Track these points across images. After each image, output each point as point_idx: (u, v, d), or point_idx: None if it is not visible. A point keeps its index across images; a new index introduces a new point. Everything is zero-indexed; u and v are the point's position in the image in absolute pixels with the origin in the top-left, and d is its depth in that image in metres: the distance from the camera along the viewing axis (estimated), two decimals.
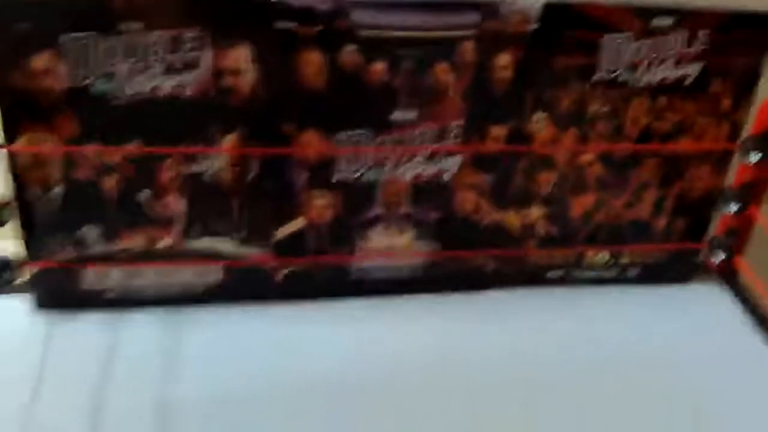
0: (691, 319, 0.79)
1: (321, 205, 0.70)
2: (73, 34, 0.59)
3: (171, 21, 0.60)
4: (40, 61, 0.59)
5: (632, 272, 0.81)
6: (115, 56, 0.60)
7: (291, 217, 0.70)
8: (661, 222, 0.78)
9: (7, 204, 0.65)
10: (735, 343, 0.76)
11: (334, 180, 0.69)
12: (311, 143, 0.67)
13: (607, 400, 0.68)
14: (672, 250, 0.80)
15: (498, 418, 0.66)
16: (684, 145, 0.73)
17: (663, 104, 0.71)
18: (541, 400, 0.67)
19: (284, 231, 0.71)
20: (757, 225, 0.79)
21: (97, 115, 0.62)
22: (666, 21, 0.67)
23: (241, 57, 0.62)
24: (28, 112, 0.61)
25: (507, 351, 0.72)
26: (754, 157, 0.74)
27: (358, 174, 0.69)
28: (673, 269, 0.81)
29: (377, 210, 0.71)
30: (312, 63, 0.63)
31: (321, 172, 0.68)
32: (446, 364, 0.70)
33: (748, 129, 0.74)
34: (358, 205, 0.71)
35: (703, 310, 0.81)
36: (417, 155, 0.69)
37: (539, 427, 0.65)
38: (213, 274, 0.72)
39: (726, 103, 0.72)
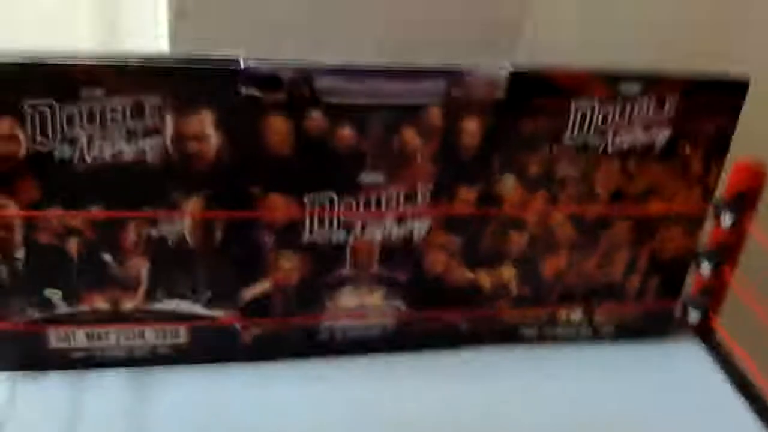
0: (668, 376, 0.78)
1: (288, 267, 0.69)
2: (34, 101, 0.59)
3: (132, 88, 0.59)
4: (0, 127, 0.59)
5: (607, 330, 0.80)
6: (77, 122, 0.60)
7: (258, 278, 0.70)
8: (635, 281, 0.77)
9: None
10: (712, 401, 0.76)
11: (302, 242, 0.68)
12: (278, 206, 0.66)
13: None
14: (647, 308, 0.79)
15: None
16: (655, 207, 0.73)
17: (633, 168, 0.71)
18: None
19: (251, 293, 0.70)
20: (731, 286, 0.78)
21: (58, 180, 0.62)
22: (633, 87, 0.66)
23: (204, 123, 0.62)
24: None
25: (481, 411, 0.71)
26: (728, 220, 0.73)
27: (327, 236, 0.68)
28: (648, 326, 0.81)
29: (346, 270, 0.71)
30: (277, 128, 0.63)
31: (288, 235, 0.68)
32: (419, 424, 0.70)
33: (721, 191, 0.74)
34: (326, 266, 0.70)
35: (680, 366, 0.80)
36: (386, 217, 0.69)
37: None
38: (179, 335, 0.71)
39: (697, 166, 0.71)
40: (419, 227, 0.70)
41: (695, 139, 0.70)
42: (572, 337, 0.80)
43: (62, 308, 0.67)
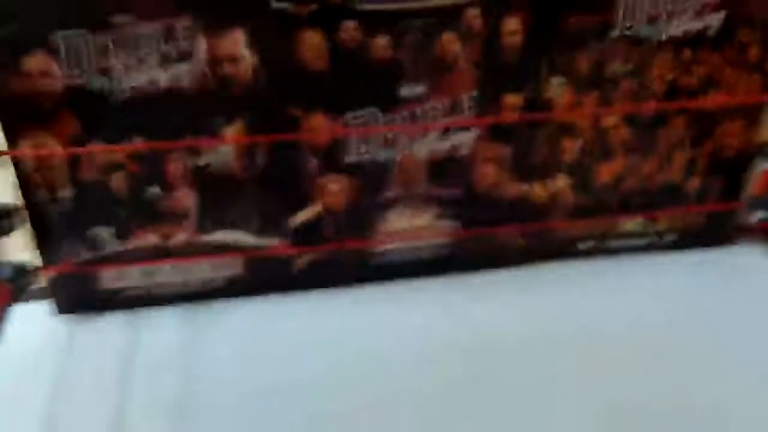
0: (734, 284, 0.75)
1: (335, 189, 0.68)
2: (64, 32, 0.58)
3: (162, 10, 0.58)
4: (32, 62, 0.58)
5: (669, 238, 0.77)
6: (109, 51, 0.59)
7: (305, 204, 0.68)
8: (695, 183, 0.74)
9: (15, 210, 0.64)
10: None
11: (346, 163, 0.67)
12: (319, 126, 0.65)
13: (651, 370, 0.65)
14: (709, 212, 0.76)
15: (532, 398, 0.63)
16: (713, 100, 0.69)
17: (688, 58, 0.67)
18: (578, 376, 0.65)
19: (300, 219, 0.69)
20: None
21: (97, 114, 0.61)
22: None
23: (237, 42, 0.60)
24: (26, 115, 0.60)
25: (540, 329, 0.70)
26: None
27: (371, 155, 0.67)
28: (711, 232, 0.78)
29: (394, 191, 0.69)
30: (311, 43, 0.61)
31: (332, 156, 0.66)
32: (477, 346, 0.68)
33: None
34: (373, 187, 0.69)
35: (745, 272, 0.77)
36: (430, 131, 0.67)
37: (575, 402, 0.63)
38: (231, 267, 0.70)
39: (754, 52, 0.68)
40: (465, 139, 0.68)
41: (751, 23, 0.66)
42: (633, 247, 0.77)
43: (113, 246, 0.67)
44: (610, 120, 0.69)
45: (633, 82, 0.68)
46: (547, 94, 0.67)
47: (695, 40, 0.66)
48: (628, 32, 0.65)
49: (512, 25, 0.63)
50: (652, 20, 0.65)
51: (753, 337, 0.69)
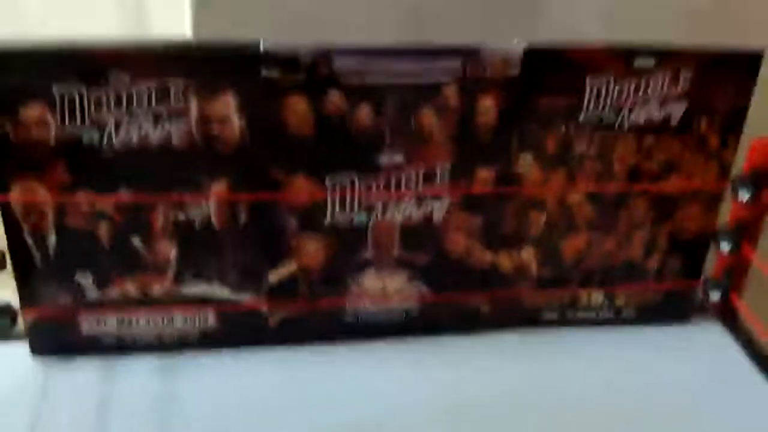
0: (691, 359, 0.78)
1: (312, 249, 0.71)
2: (64, 86, 0.61)
3: (158, 71, 0.61)
4: (30, 111, 0.61)
5: (628, 313, 0.81)
6: (104, 106, 0.62)
7: (282, 261, 0.71)
8: (654, 261, 0.78)
9: (1, 253, 0.66)
10: (736, 383, 0.76)
11: (324, 224, 0.70)
12: (300, 188, 0.68)
13: None
14: (667, 289, 0.79)
15: None
16: (673, 184, 0.73)
17: (650, 144, 0.71)
18: None
19: (276, 275, 0.71)
20: (753, 264, 0.79)
21: (87, 164, 0.64)
22: (648, 61, 0.67)
23: (227, 105, 0.63)
24: (19, 162, 0.63)
25: (505, 393, 0.72)
26: (745, 196, 0.73)
27: (349, 217, 0.70)
28: (669, 309, 0.81)
29: (368, 253, 0.72)
30: (297, 109, 0.64)
31: (311, 217, 0.69)
32: (442, 407, 0.70)
33: (739, 167, 0.74)
34: (349, 248, 0.71)
35: (702, 349, 0.80)
36: (405, 198, 0.70)
37: None
38: (207, 319, 0.73)
39: (713, 141, 0.72)
40: (439, 208, 0.71)
41: (711, 114, 0.71)
42: (593, 320, 0.80)
43: (93, 293, 0.69)
44: (575, 197, 0.73)
45: (597, 163, 0.71)
46: (517, 170, 0.70)
47: (657, 128, 0.71)
48: (593, 117, 0.69)
49: (487, 104, 0.67)
50: (616, 108, 0.69)
51: (708, 408, 0.71)
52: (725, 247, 0.77)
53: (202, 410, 0.68)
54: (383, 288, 0.74)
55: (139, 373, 0.71)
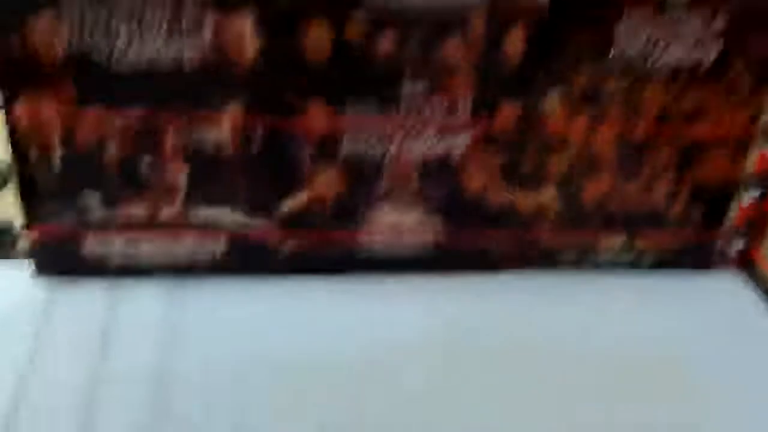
0: (710, 308, 0.76)
1: (326, 180, 0.69)
2: None
3: None
4: (38, 22, 0.59)
5: (648, 259, 0.79)
6: (116, 19, 0.59)
7: (295, 191, 0.69)
8: (677, 209, 0.75)
9: (5, 168, 0.64)
10: (755, 333, 0.74)
11: (340, 154, 0.67)
12: (316, 116, 0.65)
13: (617, 390, 0.66)
14: (688, 238, 0.77)
15: (500, 403, 0.64)
16: (701, 129, 0.71)
17: (680, 86, 0.68)
18: (546, 387, 0.66)
19: (289, 205, 0.70)
20: None
21: (97, 80, 0.61)
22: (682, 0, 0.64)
23: (244, 24, 0.61)
24: (26, 74, 0.60)
25: (514, 335, 0.71)
26: None
27: (365, 148, 0.67)
28: (689, 257, 0.79)
29: (385, 186, 0.70)
30: (317, 32, 0.62)
31: (327, 146, 0.67)
32: (450, 346, 0.69)
33: None
34: (364, 180, 0.69)
35: (721, 298, 0.78)
36: (425, 131, 0.67)
37: (541, 413, 0.64)
38: (217, 245, 0.71)
39: (745, 87, 0.69)
40: (459, 143, 0.69)
41: (745, 58, 0.68)
42: (611, 264, 0.78)
43: (99, 212, 0.67)
44: (599, 138, 0.71)
45: (624, 104, 0.69)
46: (542, 107, 0.68)
47: (688, 70, 0.68)
48: (624, 55, 0.66)
49: (515, 35, 0.64)
50: (648, 46, 0.66)
51: (724, 359, 0.70)
52: (750, 195, 0.74)
53: (207, 336, 0.67)
54: (398, 223, 0.72)
55: (144, 297, 0.70)
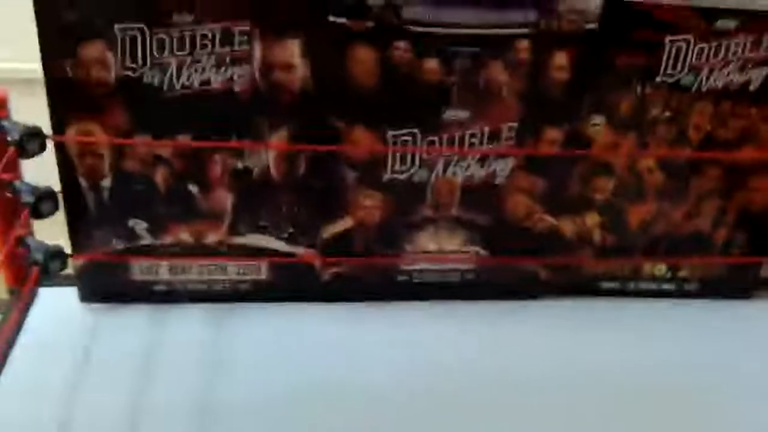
0: (753, 336, 0.75)
1: (369, 205, 0.69)
2: (124, 25, 0.59)
3: (222, 13, 0.60)
4: (90, 50, 0.60)
5: (691, 286, 0.78)
6: (166, 48, 0.60)
7: (339, 216, 0.69)
8: (722, 234, 0.75)
9: (54, 195, 0.65)
10: None
11: (383, 179, 0.68)
12: (361, 141, 0.66)
13: (664, 419, 0.65)
14: (733, 263, 0.77)
15: (542, 428, 0.63)
16: (747, 153, 0.70)
17: (726, 110, 0.68)
18: (588, 415, 0.65)
19: (332, 230, 0.70)
20: None
21: (147, 108, 0.62)
22: (730, 23, 0.64)
23: (291, 52, 0.61)
24: (77, 102, 0.62)
25: (556, 363, 0.70)
26: None
27: (408, 174, 0.68)
28: (733, 284, 0.78)
29: (427, 211, 0.70)
30: (363, 59, 0.62)
31: (370, 171, 0.67)
32: (492, 373, 0.68)
33: None
34: (407, 205, 0.70)
35: (763, 325, 0.77)
36: (469, 156, 0.68)
37: None
38: (260, 271, 0.71)
39: None
40: (502, 168, 0.69)
41: None
42: (655, 292, 0.78)
43: (146, 239, 0.68)
44: (645, 163, 0.70)
45: (671, 128, 0.69)
46: (587, 131, 0.68)
47: (735, 93, 0.67)
48: (671, 79, 0.66)
49: (560, 60, 0.64)
50: (695, 70, 0.66)
51: (757, 386, 0.69)
52: None
53: (249, 362, 0.67)
54: (440, 248, 0.72)
55: (188, 323, 0.70)
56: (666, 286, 0.78)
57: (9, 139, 0.63)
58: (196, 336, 0.69)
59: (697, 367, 0.71)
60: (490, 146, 0.67)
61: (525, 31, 0.62)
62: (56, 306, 0.71)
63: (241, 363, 0.67)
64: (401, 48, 0.62)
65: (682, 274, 0.77)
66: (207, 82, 0.62)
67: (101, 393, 0.63)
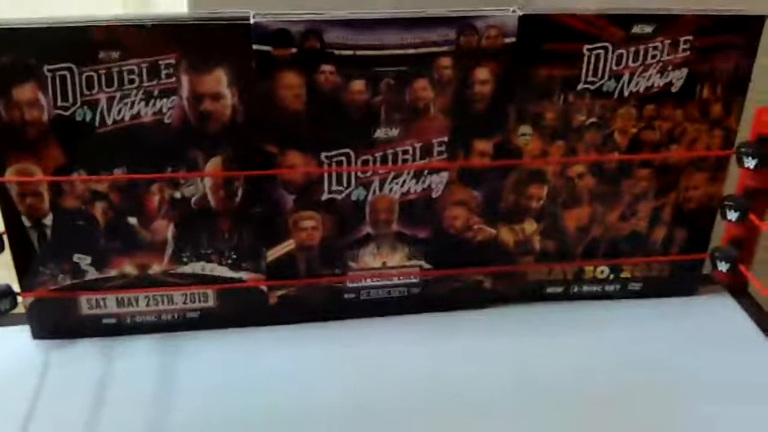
0: (699, 331, 0.77)
1: (309, 226, 0.70)
2: (55, 65, 0.60)
3: (148, 48, 0.61)
4: (22, 92, 0.61)
5: (634, 286, 0.79)
6: (96, 85, 0.61)
7: (280, 239, 0.70)
8: (660, 233, 0.76)
9: None
10: (746, 353, 0.74)
11: (321, 200, 0.69)
12: (295, 164, 0.67)
13: (614, 419, 0.66)
14: (674, 262, 0.78)
15: None
16: (676, 153, 0.72)
17: (651, 113, 0.70)
18: (542, 419, 0.66)
19: (275, 253, 0.71)
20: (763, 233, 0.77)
21: (81, 144, 0.64)
22: (646, 28, 0.66)
23: (218, 81, 0.63)
24: (13, 143, 0.63)
25: (507, 370, 0.71)
26: (751, 163, 0.72)
27: (346, 193, 0.69)
28: (676, 282, 0.80)
29: (367, 228, 0.71)
30: (290, 84, 0.64)
31: (308, 193, 0.69)
32: (444, 385, 0.69)
33: (743, 135, 0.73)
34: (347, 224, 0.71)
35: (710, 321, 0.78)
36: (403, 173, 0.69)
37: None
38: (207, 298, 0.72)
39: (716, 108, 0.70)
40: (437, 182, 0.70)
41: (713, 80, 0.69)
42: (599, 294, 0.79)
43: (92, 274, 0.69)
44: (576, 169, 0.72)
45: (598, 134, 0.70)
46: (516, 142, 0.69)
47: (658, 96, 0.69)
48: (592, 86, 0.68)
49: (483, 74, 0.66)
50: (616, 76, 0.68)
51: (714, 381, 0.70)
52: (732, 216, 0.75)
53: (201, 389, 0.68)
54: (383, 264, 0.73)
55: (139, 353, 0.71)
56: (609, 288, 0.79)
57: None
58: (147, 365, 0.70)
59: (649, 365, 0.72)
60: (423, 161, 0.69)
61: (446, 48, 0.64)
62: (8, 344, 0.72)
63: (192, 390, 0.68)
64: (327, 71, 0.64)
65: (625, 275, 0.79)
66: (137, 116, 0.63)
67: (53, 427, 0.64)
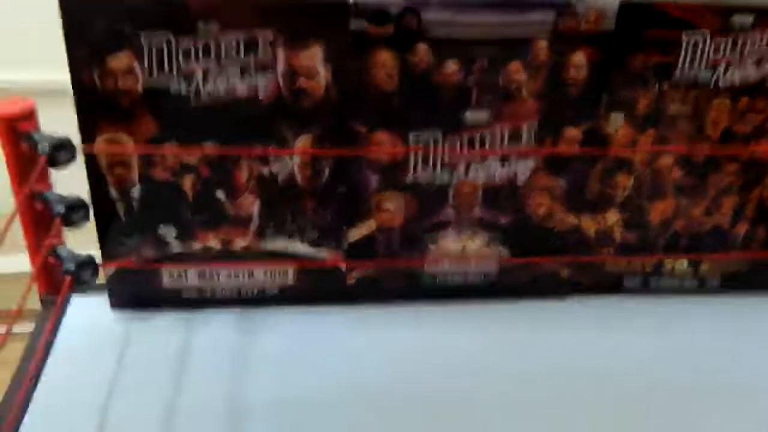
0: None
1: (392, 208, 0.70)
2: (152, 34, 0.60)
3: (246, 22, 0.61)
4: (117, 61, 0.61)
5: (713, 281, 0.78)
6: (192, 56, 0.61)
7: (362, 219, 0.70)
8: (741, 229, 0.75)
9: (85, 204, 0.66)
10: None
11: (405, 182, 0.69)
12: (383, 144, 0.67)
13: (688, 416, 0.66)
14: (754, 258, 0.77)
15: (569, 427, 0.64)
16: (766, 148, 0.71)
17: (744, 105, 0.69)
18: (615, 413, 0.66)
19: (356, 233, 0.71)
20: None
21: (174, 116, 0.64)
22: (746, 19, 0.65)
23: (314, 58, 0.63)
24: (105, 112, 0.63)
25: (582, 361, 0.71)
26: None
27: (431, 176, 0.69)
28: (755, 278, 0.78)
29: (449, 213, 0.71)
30: (384, 63, 0.63)
31: (392, 175, 0.68)
32: (518, 373, 0.69)
33: None
34: (429, 207, 0.70)
35: None
36: (489, 157, 0.69)
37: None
38: (287, 275, 0.72)
39: None
40: (523, 168, 0.69)
41: None
42: (677, 288, 0.78)
43: (176, 247, 0.69)
44: (664, 160, 0.71)
45: (689, 125, 0.69)
46: (606, 129, 0.69)
47: (753, 88, 0.68)
48: (688, 76, 0.67)
49: (578, 59, 0.65)
50: (712, 66, 0.67)
51: None
52: None
53: (277, 365, 0.68)
54: (462, 249, 0.73)
55: (217, 327, 0.72)
56: (688, 282, 0.78)
57: (39, 150, 0.64)
58: (224, 340, 0.70)
59: (729, 363, 0.71)
60: (511, 146, 0.68)
61: (543, 31, 0.63)
62: (88, 314, 0.72)
63: (269, 365, 0.68)
64: (421, 52, 0.63)
65: (704, 269, 0.77)
66: (232, 90, 0.63)
67: (134, 397, 0.65)
